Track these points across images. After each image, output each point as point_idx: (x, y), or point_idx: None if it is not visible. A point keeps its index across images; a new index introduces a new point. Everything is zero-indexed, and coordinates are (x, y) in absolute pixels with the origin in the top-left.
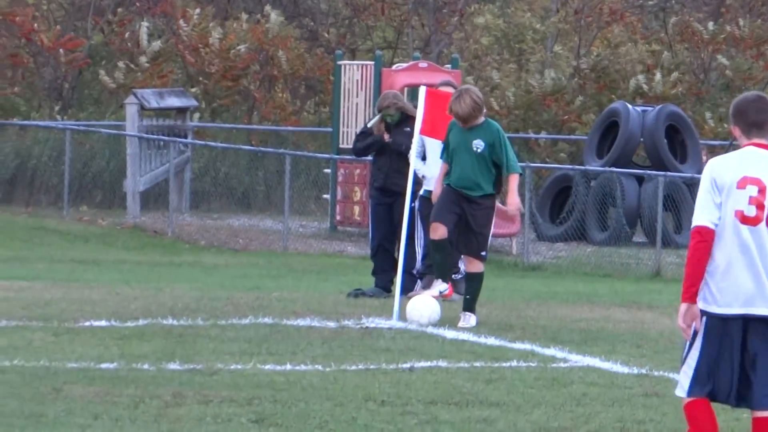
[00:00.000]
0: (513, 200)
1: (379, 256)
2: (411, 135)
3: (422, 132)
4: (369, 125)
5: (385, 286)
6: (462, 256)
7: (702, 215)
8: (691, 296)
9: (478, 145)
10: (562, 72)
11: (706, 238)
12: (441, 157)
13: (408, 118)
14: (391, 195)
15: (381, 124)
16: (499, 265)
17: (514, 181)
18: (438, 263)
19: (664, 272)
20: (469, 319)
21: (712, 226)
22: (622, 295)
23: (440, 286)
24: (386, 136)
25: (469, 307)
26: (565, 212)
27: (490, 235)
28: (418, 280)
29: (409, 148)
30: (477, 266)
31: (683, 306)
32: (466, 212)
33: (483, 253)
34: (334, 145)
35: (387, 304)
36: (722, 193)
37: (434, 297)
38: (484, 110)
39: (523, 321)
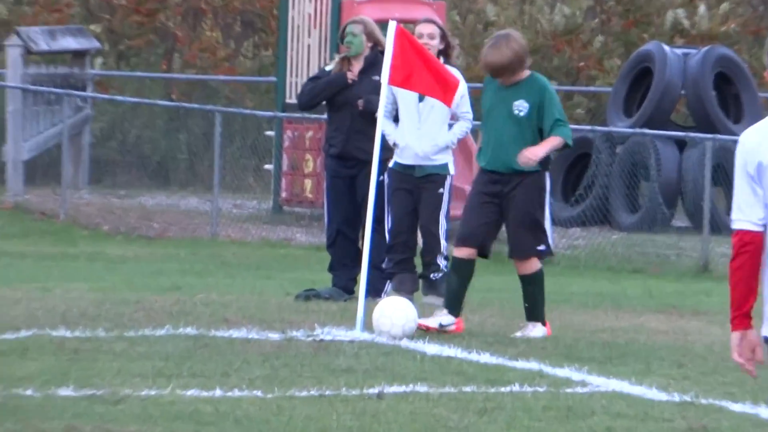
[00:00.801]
0: (533, 150)
1: (337, 247)
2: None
3: (391, 82)
4: (327, 69)
5: (345, 286)
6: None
7: (740, 215)
8: (741, 321)
9: (521, 107)
10: (577, 5)
11: (749, 244)
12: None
13: (380, 60)
14: (353, 165)
15: (344, 64)
16: (496, 257)
17: (553, 140)
18: (453, 289)
19: (714, 266)
20: (535, 330)
21: (757, 228)
22: (658, 296)
23: (444, 317)
24: (350, 74)
25: (535, 315)
26: (583, 188)
27: (547, 224)
28: (388, 281)
29: (377, 103)
30: (530, 265)
31: (735, 336)
32: (507, 199)
33: (541, 248)
34: (279, 99)
35: (348, 310)
36: (764, 179)
37: (429, 327)
38: (528, 61)
39: None
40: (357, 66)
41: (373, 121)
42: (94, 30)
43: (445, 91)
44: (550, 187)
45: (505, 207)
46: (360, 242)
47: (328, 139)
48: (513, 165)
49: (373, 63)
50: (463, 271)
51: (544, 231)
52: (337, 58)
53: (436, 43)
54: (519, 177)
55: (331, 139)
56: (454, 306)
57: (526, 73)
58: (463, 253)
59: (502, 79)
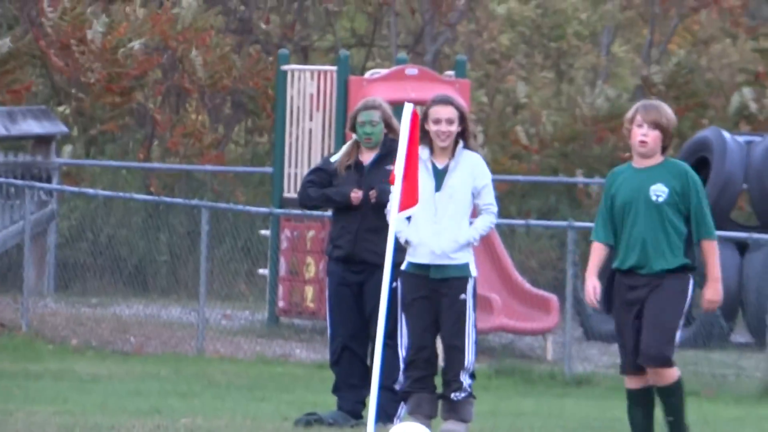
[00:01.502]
0: (716, 290)
1: (343, 364)
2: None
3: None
4: (333, 160)
5: (352, 410)
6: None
7: None
8: None
9: (659, 192)
10: (623, 84)
11: None
12: (594, 235)
13: (394, 146)
14: (361, 270)
15: (352, 153)
16: (527, 377)
17: (711, 253)
18: (639, 425)
19: None
20: None
21: None
22: (714, 423)
23: None
24: (355, 196)
25: (679, 430)
26: None
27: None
28: (402, 402)
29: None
30: (669, 375)
31: None
32: (648, 302)
33: (669, 355)
34: (276, 193)
35: None
36: None
37: None
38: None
39: None
40: (368, 155)
41: (384, 219)
42: (61, 112)
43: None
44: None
45: (643, 309)
46: (369, 359)
47: (332, 239)
48: (654, 262)
49: (390, 152)
50: (643, 401)
51: (674, 340)
52: (344, 148)
53: (454, 129)
54: (660, 277)
55: (337, 239)
56: None
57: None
58: (636, 383)
59: (641, 159)
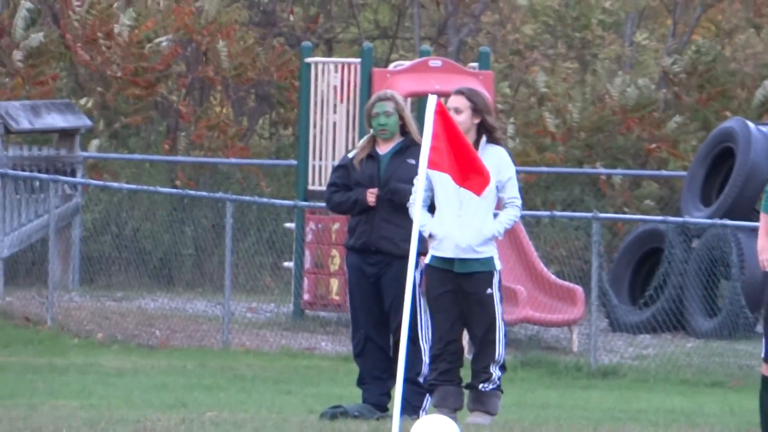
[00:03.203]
0: None
1: (367, 356)
2: (415, 170)
3: (431, 166)
4: (350, 156)
5: (377, 402)
6: None
7: None
8: None
9: None
10: (647, 72)
11: None
12: (763, 207)
13: (412, 142)
14: (377, 261)
15: (367, 146)
16: (553, 368)
17: None
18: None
19: None
20: None
21: None
22: (740, 414)
23: None
24: (371, 197)
25: None
26: (653, 288)
27: None
28: (428, 395)
29: (409, 193)
30: None
31: None
32: None
33: None
34: (300, 186)
35: (380, 430)
36: None
37: None
38: None
39: None
40: (385, 147)
41: (401, 209)
42: (85, 105)
43: (474, 179)
44: None
45: None
46: (391, 351)
47: (350, 229)
48: None
49: (410, 145)
50: None
51: None
52: (361, 142)
53: (462, 119)
54: None
55: (354, 229)
56: None
57: None
58: None
59: None
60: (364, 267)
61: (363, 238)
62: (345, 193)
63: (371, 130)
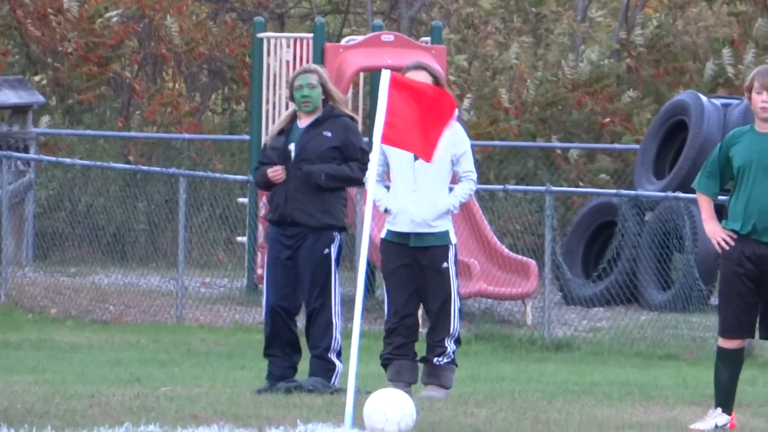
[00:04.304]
0: None
1: (274, 329)
2: (332, 144)
3: (385, 141)
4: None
5: (282, 375)
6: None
7: None
8: None
9: None
10: (603, 50)
11: None
12: (698, 185)
13: (332, 113)
14: (293, 234)
15: (283, 122)
16: (507, 342)
17: None
18: (724, 384)
19: (759, 352)
20: None
21: None
22: (694, 386)
23: (719, 417)
24: (272, 173)
25: None
26: (607, 261)
27: None
28: (337, 370)
29: (323, 174)
30: None
31: None
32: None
33: None
34: (253, 161)
35: (335, 404)
36: None
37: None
38: None
39: (544, 428)
40: (306, 120)
41: (318, 186)
42: (38, 82)
43: (428, 140)
44: None
45: (762, 282)
46: (296, 326)
47: (269, 202)
48: None
49: (328, 117)
50: (734, 362)
51: None
52: (284, 115)
53: None
54: None
55: (271, 201)
56: (728, 402)
57: None
58: (734, 344)
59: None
60: (282, 239)
61: (279, 210)
62: (261, 170)
63: (292, 106)
